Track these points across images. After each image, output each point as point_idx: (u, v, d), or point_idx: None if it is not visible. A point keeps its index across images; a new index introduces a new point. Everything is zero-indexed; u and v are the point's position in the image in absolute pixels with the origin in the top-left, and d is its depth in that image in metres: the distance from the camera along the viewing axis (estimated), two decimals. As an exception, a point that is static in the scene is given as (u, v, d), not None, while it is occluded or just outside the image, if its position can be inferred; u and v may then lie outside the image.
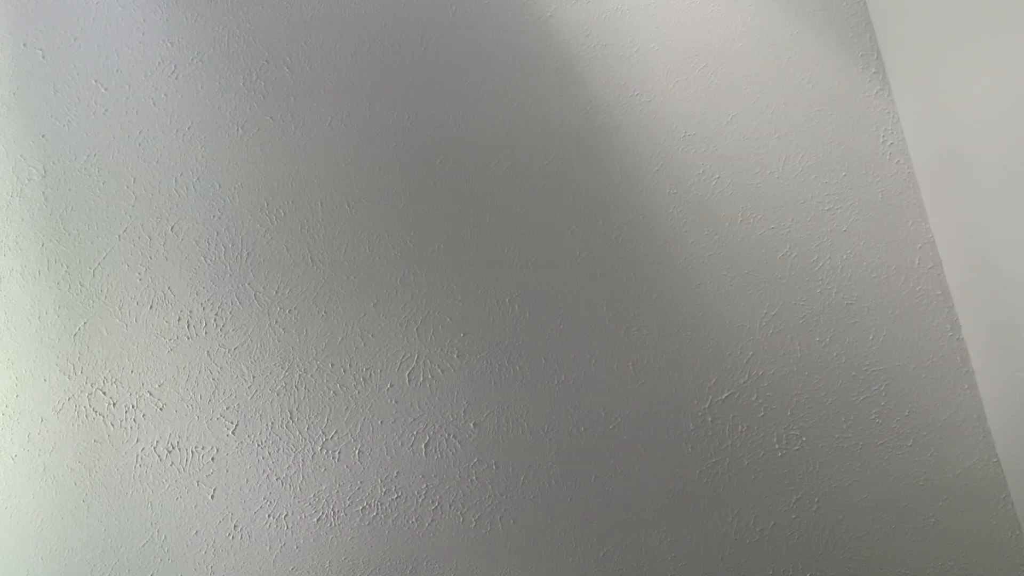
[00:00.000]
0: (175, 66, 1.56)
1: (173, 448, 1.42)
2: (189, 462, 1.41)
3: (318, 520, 1.41)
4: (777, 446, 1.47)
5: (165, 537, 1.39)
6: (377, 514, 1.42)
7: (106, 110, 1.54)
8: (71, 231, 1.49)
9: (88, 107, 1.54)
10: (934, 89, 1.46)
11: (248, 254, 1.49)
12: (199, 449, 1.42)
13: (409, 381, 1.46)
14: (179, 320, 1.46)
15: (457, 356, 1.47)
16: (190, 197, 1.51)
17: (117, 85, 1.55)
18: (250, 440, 1.42)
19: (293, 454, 1.42)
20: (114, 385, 1.43)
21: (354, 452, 1.43)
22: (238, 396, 1.44)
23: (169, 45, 1.57)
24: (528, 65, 1.59)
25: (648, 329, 1.50)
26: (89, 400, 1.42)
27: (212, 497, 1.40)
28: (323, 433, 1.43)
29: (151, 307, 1.46)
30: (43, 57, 1.55)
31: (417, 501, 1.43)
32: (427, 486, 1.43)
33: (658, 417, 1.47)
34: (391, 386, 1.46)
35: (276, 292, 1.48)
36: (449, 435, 1.45)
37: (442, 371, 1.47)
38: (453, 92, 1.58)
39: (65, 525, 1.39)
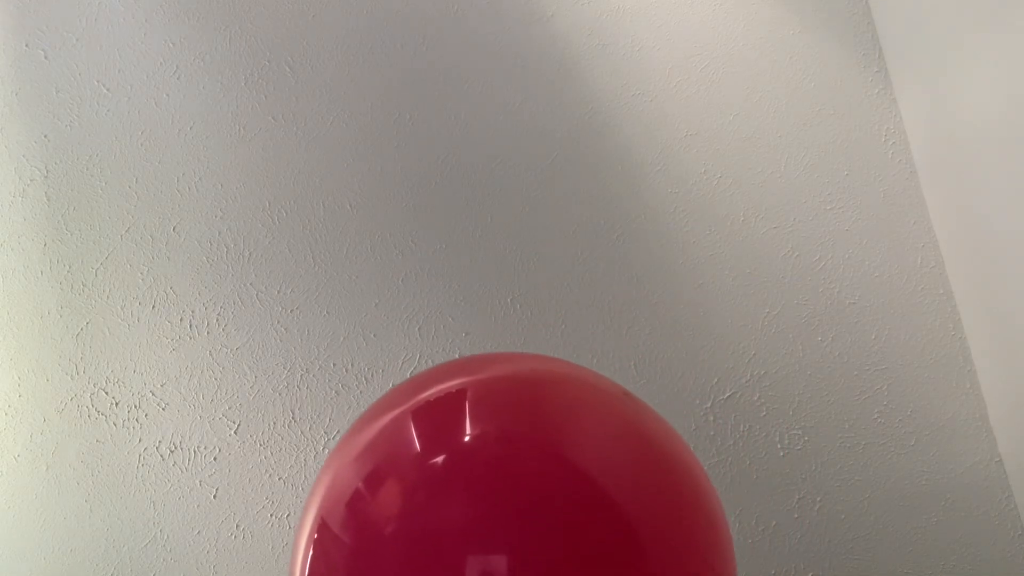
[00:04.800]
0: (177, 66, 1.56)
1: (175, 448, 1.42)
2: (191, 462, 1.41)
3: (320, 520, 1.41)
4: (779, 446, 1.46)
5: (167, 537, 1.39)
6: (379, 514, 1.42)
7: (108, 110, 1.54)
8: (73, 231, 1.49)
9: (90, 107, 1.54)
10: (936, 88, 1.46)
11: (250, 254, 1.49)
12: (201, 449, 1.42)
13: (411, 381, 1.46)
14: (181, 320, 1.46)
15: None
16: (192, 197, 1.51)
17: (119, 85, 1.55)
18: (252, 440, 1.43)
19: (295, 454, 1.42)
20: (116, 385, 1.43)
21: (356, 452, 1.43)
22: (240, 396, 1.44)
23: (171, 45, 1.57)
24: (529, 65, 1.59)
25: (650, 329, 1.50)
26: (91, 400, 1.43)
27: (214, 497, 1.41)
28: (325, 433, 1.43)
29: (153, 307, 1.46)
30: (45, 58, 1.56)
31: (419, 501, 1.42)
32: (429, 486, 1.43)
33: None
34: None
35: (278, 292, 1.48)
36: (451, 435, 1.44)
37: (444, 371, 1.47)
38: (454, 92, 1.58)
39: (68, 525, 1.39)
